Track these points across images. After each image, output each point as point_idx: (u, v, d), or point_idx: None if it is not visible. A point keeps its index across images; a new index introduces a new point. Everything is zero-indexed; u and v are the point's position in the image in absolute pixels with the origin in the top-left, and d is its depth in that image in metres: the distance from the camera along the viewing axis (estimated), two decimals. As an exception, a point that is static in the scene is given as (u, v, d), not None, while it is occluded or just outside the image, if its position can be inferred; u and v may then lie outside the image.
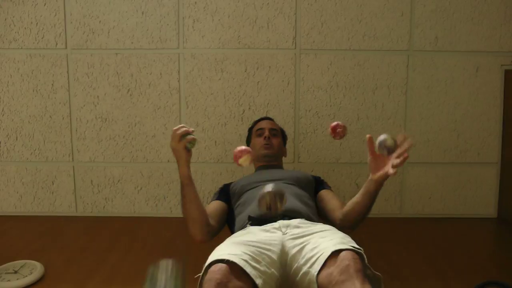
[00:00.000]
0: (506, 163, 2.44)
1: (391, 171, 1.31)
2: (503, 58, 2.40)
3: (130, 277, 1.77)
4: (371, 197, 1.46)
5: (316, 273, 1.20)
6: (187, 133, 1.40)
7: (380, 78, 2.41)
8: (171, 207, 2.49)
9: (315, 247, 1.27)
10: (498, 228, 2.40)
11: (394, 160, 1.31)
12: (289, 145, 2.44)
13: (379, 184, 1.41)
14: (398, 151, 1.32)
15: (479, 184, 2.48)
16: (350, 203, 1.54)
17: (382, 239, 2.19)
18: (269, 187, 1.36)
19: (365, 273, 1.18)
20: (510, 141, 2.41)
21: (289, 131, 2.43)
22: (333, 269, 1.15)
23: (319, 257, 1.22)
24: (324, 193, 1.77)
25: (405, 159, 1.29)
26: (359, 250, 1.23)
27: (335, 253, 1.19)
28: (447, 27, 2.38)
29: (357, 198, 1.50)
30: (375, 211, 2.45)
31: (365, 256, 1.23)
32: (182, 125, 1.41)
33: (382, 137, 1.34)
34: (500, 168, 2.46)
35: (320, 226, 1.44)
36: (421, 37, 2.39)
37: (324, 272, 1.18)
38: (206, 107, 2.43)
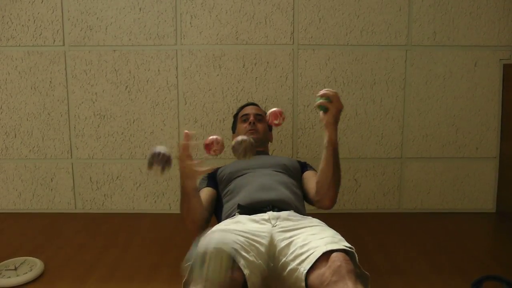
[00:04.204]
0: (504, 158, 2.44)
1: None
2: (502, 52, 2.39)
3: (130, 273, 1.77)
4: (332, 148, 1.53)
5: (305, 271, 1.20)
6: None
7: (378, 73, 2.41)
8: (170, 203, 2.49)
9: (305, 244, 1.27)
10: (497, 222, 2.40)
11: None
12: (287, 140, 2.44)
13: (331, 126, 1.52)
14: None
15: (477, 179, 2.48)
16: (317, 174, 1.59)
17: (380, 234, 2.19)
18: (240, 137, 1.46)
19: (356, 273, 1.18)
20: (508, 136, 2.41)
21: (287, 127, 2.43)
22: (325, 270, 1.15)
23: (309, 255, 1.22)
24: (306, 174, 1.80)
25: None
26: (351, 250, 1.24)
27: (326, 253, 1.19)
28: (445, 22, 2.37)
29: (321, 166, 1.56)
30: (373, 206, 2.50)
31: (356, 255, 1.24)
32: (186, 143, 1.42)
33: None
34: (499, 163, 2.46)
35: (310, 220, 1.45)
36: (419, 32, 2.38)
37: (316, 273, 1.18)
38: (204, 103, 2.43)
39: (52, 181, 2.50)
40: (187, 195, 1.49)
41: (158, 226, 2.31)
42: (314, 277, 1.18)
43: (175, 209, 2.46)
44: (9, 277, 1.67)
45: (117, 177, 2.49)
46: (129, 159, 2.47)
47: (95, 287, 1.66)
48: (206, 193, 1.71)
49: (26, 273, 1.70)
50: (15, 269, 1.73)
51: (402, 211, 2.50)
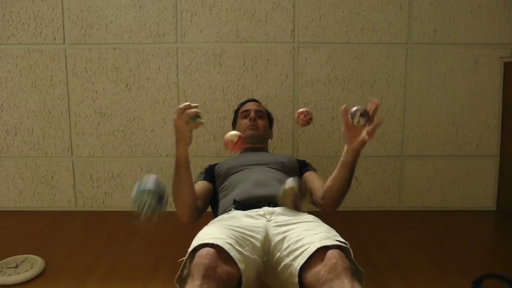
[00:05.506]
0: (505, 156, 2.44)
1: (366, 137, 1.35)
2: (502, 50, 2.39)
3: (130, 270, 1.77)
4: (349, 169, 1.46)
5: (298, 267, 1.20)
6: (196, 115, 1.34)
7: (378, 71, 2.41)
8: (170, 201, 2.49)
9: (299, 240, 1.27)
10: (497, 220, 2.40)
11: (368, 127, 1.36)
12: (287, 138, 2.44)
13: (356, 153, 1.42)
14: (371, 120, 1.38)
15: (478, 177, 2.48)
16: (329, 179, 1.53)
17: (381, 232, 2.19)
18: (290, 182, 1.43)
19: (352, 270, 1.18)
20: (509, 134, 2.41)
21: (287, 125, 2.43)
22: (321, 268, 1.15)
23: (303, 251, 1.22)
24: (307, 175, 1.78)
25: (377, 124, 1.35)
26: (345, 245, 1.23)
27: (321, 249, 1.19)
28: (446, 20, 2.37)
29: (335, 172, 1.50)
30: (374, 204, 2.50)
31: (351, 251, 1.23)
32: (188, 103, 1.34)
33: (354, 108, 1.38)
34: (499, 161, 2.46)
35: (305, 216, 1.44)
36: (419, 30, 2.38)
37: (311, 271, 1.18)
38: (205, 101, 2.43)
39: (52, 179, 2.50)
40: (179, 165, 1.44)
41: (158, 224, 2.31)
42: (309, 274, 1.18)
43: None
44: (10, 274, 1.67)
45: (118, 175, 2.49)
46: (129, 157, 2.47)
47: (95, 285, 1.66)
48: (201, 185, 1.71)
49: (27, 271, 1.70)
50: (16, 267, 1.73)
51: (402, 209, 2.51)
